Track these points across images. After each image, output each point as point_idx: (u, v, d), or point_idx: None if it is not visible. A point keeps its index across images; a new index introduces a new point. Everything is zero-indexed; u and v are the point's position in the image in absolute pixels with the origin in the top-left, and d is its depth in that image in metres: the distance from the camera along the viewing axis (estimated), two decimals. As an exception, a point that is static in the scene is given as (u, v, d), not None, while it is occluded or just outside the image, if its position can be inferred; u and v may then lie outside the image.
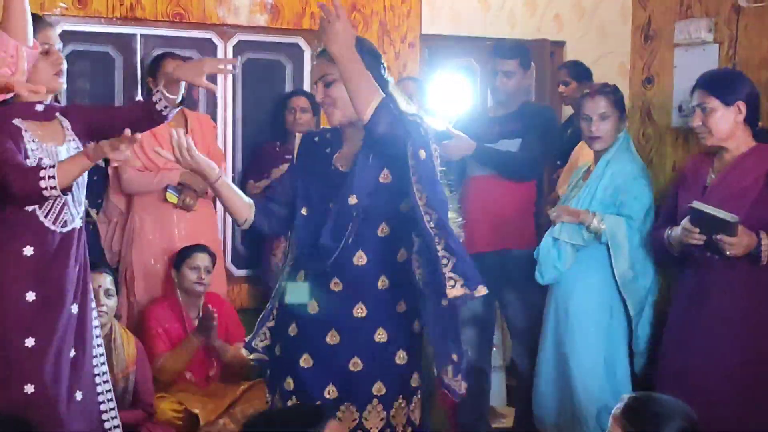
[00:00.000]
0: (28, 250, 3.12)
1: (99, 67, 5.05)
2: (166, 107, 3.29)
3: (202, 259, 4.54)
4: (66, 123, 3.27)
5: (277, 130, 5.20)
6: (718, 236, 3.24)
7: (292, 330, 3.08)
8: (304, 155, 3.16)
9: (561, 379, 3.94)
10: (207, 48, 5.19)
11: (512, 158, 4.39)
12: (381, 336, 3.03)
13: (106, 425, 3.34)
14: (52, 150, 3.17)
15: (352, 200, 2.97)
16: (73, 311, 3.21)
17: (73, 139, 3.25)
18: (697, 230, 3.33)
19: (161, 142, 4.50)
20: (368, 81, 2.84)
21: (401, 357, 3.05)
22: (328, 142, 3.13)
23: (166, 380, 4.38)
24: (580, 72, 5.06)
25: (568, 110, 5.38)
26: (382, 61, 3.07)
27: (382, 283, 3.01)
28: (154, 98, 3.29)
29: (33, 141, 3.13)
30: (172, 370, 4.39)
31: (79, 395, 3.21)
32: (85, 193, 3.29)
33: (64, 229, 3.18)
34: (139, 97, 4.96)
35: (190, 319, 4.53)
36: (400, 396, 3.06)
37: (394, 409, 3.05)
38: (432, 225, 2.86)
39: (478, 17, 5.81)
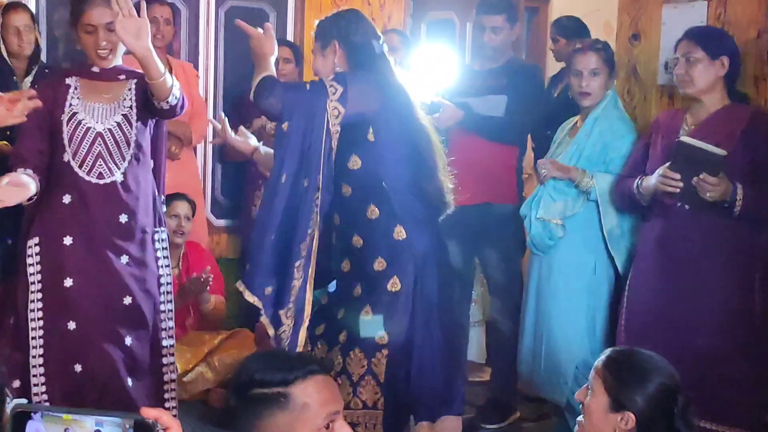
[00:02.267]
0: (66, 198, 3.33)
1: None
2: (161, 102, 3.31)
3: (181, 207, 4.51)
4: (132, 85, 3.39)
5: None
6: (701, 175, 3.25)
7: None
8: None
9: (542, 335, 3.95)
10: (190, -6, 5.11)
11: (498, 124, 4.37)
12: (357, 292, 3.23)
13: (165, 378, 3.50)
14: (91, 107, 3.35)
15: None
16: (122, 260, 3.36)
17: (130, 99, 3.38)
18: (677, 176, 3.33)
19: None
20: (259, 68, 3.24)
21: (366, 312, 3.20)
22: None
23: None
24: (569, 29, 5.03)
25: (554, 68, 5.34)
26: (357, 25, 3.30)
27: (356, 241, 3.26)
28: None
29: (77, 98, 3.36)
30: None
31: (128, 340, 3.35)
32: (132, 151, 3.37)
33: (101, 181, 3.33)
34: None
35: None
36: (357, 348, 3.21)
37: (349, 358, 3.24)
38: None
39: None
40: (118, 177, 3.35)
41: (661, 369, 2.39)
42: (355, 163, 3.22)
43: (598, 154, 3.88)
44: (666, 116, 3.69)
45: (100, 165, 3.33)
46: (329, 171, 3.17)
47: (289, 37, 5.34)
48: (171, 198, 4.52)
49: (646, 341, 3.18)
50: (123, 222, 3.36)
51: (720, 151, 3.25)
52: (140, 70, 3.35)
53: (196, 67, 5.13)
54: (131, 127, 3.36)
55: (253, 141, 3.54)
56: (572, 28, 5.02)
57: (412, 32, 5.68)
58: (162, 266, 3.48)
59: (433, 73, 5.32)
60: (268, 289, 3.19)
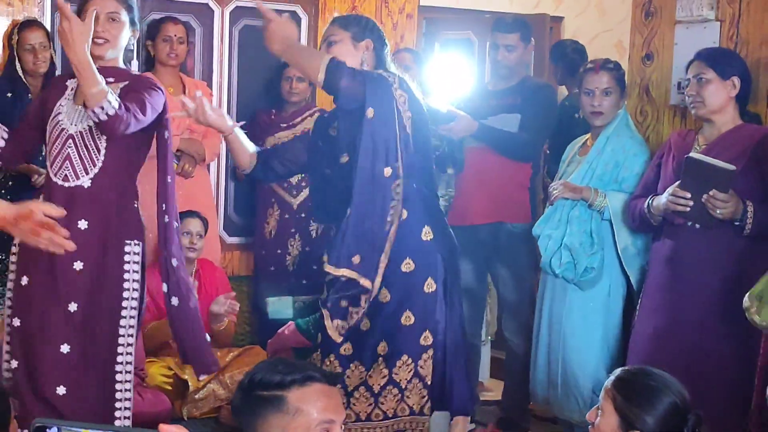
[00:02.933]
0: (39, 198, 3.29)
1: (93, 30, 5.02)
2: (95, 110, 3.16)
3: (193, 225, 4.54)
4: (119, 90, 3.28)
5: (273, 98, 5.18)
6: (711, 192, 3.25)
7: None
8: (318, 132, 3.45)
9: (557, 355, 3.96)
10: (204, 13, 5.16)
11: (512, 139, 4.40)
12: (385, 297, 3.18)
13: (117, 395, 3.34)
14: (75, 109, 3.29)
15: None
16: (76, 267, 3.24)
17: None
18: (687, 194, 3.34)
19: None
20: (310, 51, 3.25)
21: (407, 317, 3.18)
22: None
23: (152, 347, 4.38)
24: (556, 54, 5.14)
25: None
26: (387, 43, 3.35)
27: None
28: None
29: (68, 99, 3.32)
30: (158, 340, 4.40)
31: (65, 348, 3.23)
32: (103, 158, 3.28)
33: (66, 184, 3.27)
34: (134, 60, 4.94)
35: (180, 286, 4.52)
36: (405, 354, 3.19)
37: (396, 367, 3.18)
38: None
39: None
40: (85, 182, 3.27)
41: (671, 388, 2.38)
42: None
43: (610, 172, 3.89)
44: (678, 136, 3.70)
45: (67, 168, 3.27)
46: (408, 160, 3.16)
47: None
48: (183, 215, 4.55)
49: (656, 361, 3.19)
50: (82, 229, 3.24)
51: (729, 166, 3.26)
52: (133, 74, 3.41)
53: (210, 86, 5.17)
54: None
55: (229, 121, 3.35)
56: (557, 54, 5.15)
57: (425, 51, 5.71)
58: (129, 280, 3.33)
59: (447, 85, 5.36)
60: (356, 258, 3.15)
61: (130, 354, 3.34)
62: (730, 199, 3.28)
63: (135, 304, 3.34)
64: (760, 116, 3.70)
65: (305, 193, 4.95)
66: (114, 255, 3.29)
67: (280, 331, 4.42)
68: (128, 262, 3.32)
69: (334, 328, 3.12)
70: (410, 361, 3.21)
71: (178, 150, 4.71)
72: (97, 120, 3.12)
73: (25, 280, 3.27)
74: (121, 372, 3.31)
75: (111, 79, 3.26)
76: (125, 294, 3.31)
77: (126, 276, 3.31)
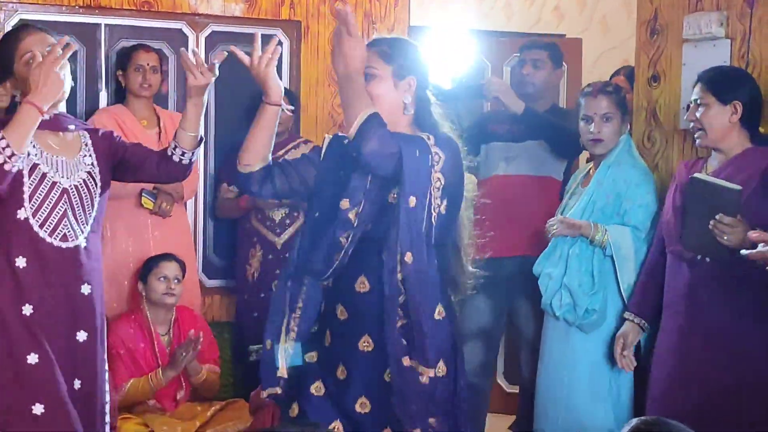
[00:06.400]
0: (21, 261, 3.14)
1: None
2: (183, 154, 3.28)
3: (170, 268, 4.54)
4: (87, 140, 3.29)
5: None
6: (717, 216, 3.22)
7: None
8: (334, 149, 3.08)
9: (563, 400, 3.96)
10: (177, 39, 5.20)
11: (561, 127, 4.42)
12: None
13: None
14: (53, 159, 3.20)
15: (352, 215, 2.95)
16: (79, 338, 3.22)
17: (90, 156, 3.28)
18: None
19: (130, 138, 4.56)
20: (360, 92, 2.84)
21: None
22: None
23: (128, 405, 4.38)
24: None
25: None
26: (429, 81, 3.07)
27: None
28: (169, 150, 3.28)
29: (34, 146, 3.15)
30: (134, 400, 4.40)
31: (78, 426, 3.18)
32: (94, 215, 3.27)
33: (64, 244, 3.18)
34: (102, 91, 4.98)
35: (158, 336, 4.53)
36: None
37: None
38: (400, 278, 2.89)
39: (471, 8, 5.85)
40: (82, 241, 3.22)
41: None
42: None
43: (612, 205, 3.89)
44: (684, 167, 3.70)
45: (65, 226, 3.18)
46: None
47: (284, 82, 5.40)
48: (159, 259, 4.57)
49: (676, 408, 3.19)
50: (86, 294, 3.22)
51: (735, 186, 3.22)
52: (87, 124, 3.38)
53: (186, 117, 5.19)
54: (96, 187, 3.26)
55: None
56: None
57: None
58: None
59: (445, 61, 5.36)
60: None
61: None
62: (737, 224, 3.18)
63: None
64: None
65: (290, 231, 4.96)
66: (104, 320, 3.32)
67: (264, 382, 4.42)
68: None
69: None
70: None
71: (154, 188, 4.73)
72: (186, 162, 3.27)
73: (34, 359, 3.11)
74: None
75: (72, 127, 3.28)
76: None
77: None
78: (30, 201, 3.14)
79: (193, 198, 5.19)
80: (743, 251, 3.02)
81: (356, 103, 2.83)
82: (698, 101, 3.52)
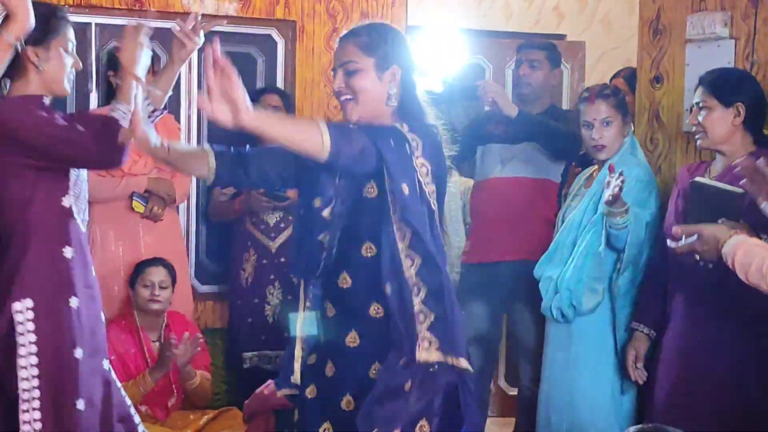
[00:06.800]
0: (68, 252, 3.07)
1: (49, 60, 5.01)
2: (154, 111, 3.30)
3: (156, 274, 4.51)
4: None
5: (246, 131, 5.13)
6: (720, 221, 3.19)
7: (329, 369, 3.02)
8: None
9: (566, 407, 3.94)
10: (169, 39, 5.11)
11: (556, 129, 4.41)
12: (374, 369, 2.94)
13: None
14: None
15: (326, 213, 2.89)
16: (102, 319, 3.20)
17: None
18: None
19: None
20: (293, 119, 2.76)
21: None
22: None
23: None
24: None
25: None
26: (414, 65, 2.95)
27: (375, 310, 2.91)
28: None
29: None
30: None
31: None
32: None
33: (84, 229, 3.16)
34: (93, 92, 4.94)
35: (149, 342, 4.50)
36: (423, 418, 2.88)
37: None
38: (413, 272, 2.80)
39: (470, 8, 5.81)
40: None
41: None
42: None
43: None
44: (686, 171, 3.69)
45: (85, 212, 3.19)
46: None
47: (279, 83, 5.37)
48: (146, 264, 4.53)
49: (678, 418, 3.17)
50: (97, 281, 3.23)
51: (736, 189, 3.18)
52: None
53: (178, 118, 5.16)
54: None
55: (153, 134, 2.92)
56: None
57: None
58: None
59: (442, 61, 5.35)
60: None
61: None
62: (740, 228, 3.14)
63: None
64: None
65: (285, 235, 4.92)
66: None
67: (258, 390, 4.37)
68: None
69: None
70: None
71: (146, 191, 4.70)
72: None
73: (79, 353, 3.08)
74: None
75: None
76: None
77: None
78: (74, 188, 3.10)
79: (186, 201, 5.15)
80: (671, 243, 3.06)
81: (303, 127, 2.71)
82: (700, 104, 3.50)
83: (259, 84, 5.40)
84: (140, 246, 4.73)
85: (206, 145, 2.97)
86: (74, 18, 4.89)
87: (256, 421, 4.36)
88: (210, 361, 4.70)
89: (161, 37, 5.12)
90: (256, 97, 5.17)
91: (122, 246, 4.71)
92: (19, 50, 3.02)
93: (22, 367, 2.99)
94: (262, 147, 3.00)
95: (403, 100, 2.92)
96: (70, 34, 3.17)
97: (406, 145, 2.80)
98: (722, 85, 3.49)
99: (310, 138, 2.64)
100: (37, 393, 3.01)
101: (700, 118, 3.49)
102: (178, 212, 5.07)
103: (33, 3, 3.04)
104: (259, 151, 2.99)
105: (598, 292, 3.84)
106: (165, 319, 4.57)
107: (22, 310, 3.00)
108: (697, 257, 3.00)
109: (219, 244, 5.26)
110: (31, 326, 3.00)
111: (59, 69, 3.11)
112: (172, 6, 5.11)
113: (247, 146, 2.98)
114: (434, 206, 2.86)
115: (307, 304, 3.01)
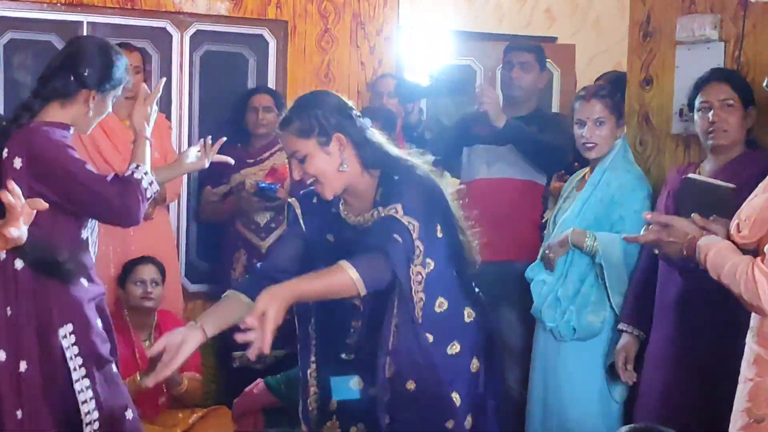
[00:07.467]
0: (84, 281, 3.24)
1: (41, 58, 5.00)
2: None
3: (147, 272, 4.53)
4: None
5: (238, 130, 5.16)
6: (711, 218, 3.20)
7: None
8: (310, 215, 3.05)
9: (555, 409, 3.96)
10: (161, 38, 5.19)
11: (542, 140, 4.44)
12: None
13: None
14: None
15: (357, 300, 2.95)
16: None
17: None
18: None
19: (115, 142, 4.54)
20: (318, 274, 2.74)
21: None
22: (331, 201, 2.99)
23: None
24: None
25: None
26: (351, 112, 2.96)
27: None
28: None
29: None
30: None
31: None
32: None
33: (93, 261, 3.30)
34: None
35: (139, 342, 4.51)
36: None
37: None
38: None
39: (461, 9, 5.85)
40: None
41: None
42: (429, 265, 2.97)
43: (605, 209, 3.87)
44: (676, 173, 3.70)
45: (96, 246, 3.34)
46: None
47: (270, 83, 5.41)
48: (136, 263, 4.56)
49: (665, 419, 3.19)
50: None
51: (728, 184, 3.19)
52: None
53: (169, 117, 5.18)
54: None
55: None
56: None
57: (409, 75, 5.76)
58: None
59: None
60: None
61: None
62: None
63: None
64: (756, 141, 3.66)
65: (275, 235, 4.95)
66: None
67: (247, 389, 4.41)
68: None
69: None
70: None
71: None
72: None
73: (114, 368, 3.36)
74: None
75: None
76: None
77: None
78: (90, 221, 3.24)
79: (176, 201, 5.18)
80: (624, 237, 3.14)
81: (331, 277, 2.73)
82: (726, 101, 3.50)
83: (251, 84, 5.43)
84: (130, 245, 4.74)
85: (230, 292, 2.98)
86: (66, 16, 4.99)
87: (245, 419, 4.41)
88: (200, 360, 4.71)
89: (153, 36, 5.19)
90: (247, 96, 5.22)
91: (112, 246, 4.72)
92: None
93: (80, 390, 3.19)
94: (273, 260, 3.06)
95: (363, 152, 2.94)
96: (129, 84, 3.42)
97: (407, 234, 2.83)
98: (743, 85, 3.54)
99: (344, 288, 2.72)
100: (96, 414, 3.22)
101: (722, 116, 3.50)
102: (168, 211, 5.09)
103: (110, 47, 3.26)
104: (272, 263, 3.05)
105: (600, 316, 3.87)
106: (155, 317, 4.60)
107: (66, 335, 3.15)
108: (656, 251, 2.98)
109: (209, 243, 5.29)
110: (76, 350, 3.18)
111: (99, 116, 3.27)
112: (163, 5, 5.14)
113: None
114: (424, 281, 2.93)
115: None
